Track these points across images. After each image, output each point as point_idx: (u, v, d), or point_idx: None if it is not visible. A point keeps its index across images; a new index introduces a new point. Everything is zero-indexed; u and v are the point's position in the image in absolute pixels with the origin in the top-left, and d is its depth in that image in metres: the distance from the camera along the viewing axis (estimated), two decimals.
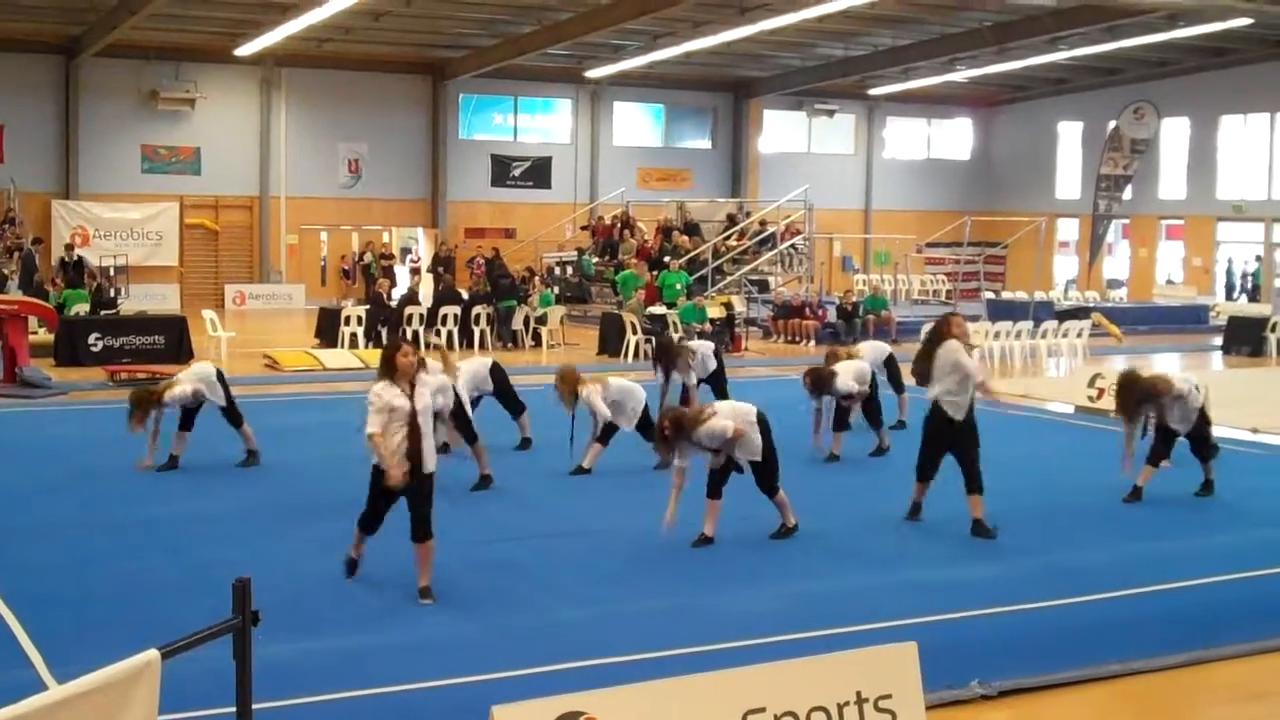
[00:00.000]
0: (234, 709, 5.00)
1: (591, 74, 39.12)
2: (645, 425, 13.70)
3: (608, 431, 13.95)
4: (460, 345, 26.76)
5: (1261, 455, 16.03)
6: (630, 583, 9.90)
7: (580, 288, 34.19)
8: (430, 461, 9.21)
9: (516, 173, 41.26)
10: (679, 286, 28.53)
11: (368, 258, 37.82)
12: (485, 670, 7.74)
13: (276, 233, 38.23)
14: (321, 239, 39.60)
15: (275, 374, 22.77)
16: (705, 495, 11.00)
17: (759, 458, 10.94)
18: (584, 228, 38.27)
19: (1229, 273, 41.88)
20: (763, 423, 11.02)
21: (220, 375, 13.90)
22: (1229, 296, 40.67)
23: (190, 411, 13.68)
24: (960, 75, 40.56)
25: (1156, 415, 12.97)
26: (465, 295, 28.64)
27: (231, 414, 13.85)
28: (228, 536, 11.01)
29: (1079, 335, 26.85)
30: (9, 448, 15.47)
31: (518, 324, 27.55)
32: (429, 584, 9.24)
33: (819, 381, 14.74)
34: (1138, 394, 12.89)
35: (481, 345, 26.74)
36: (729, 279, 32.51)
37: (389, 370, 9.20)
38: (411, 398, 9.10)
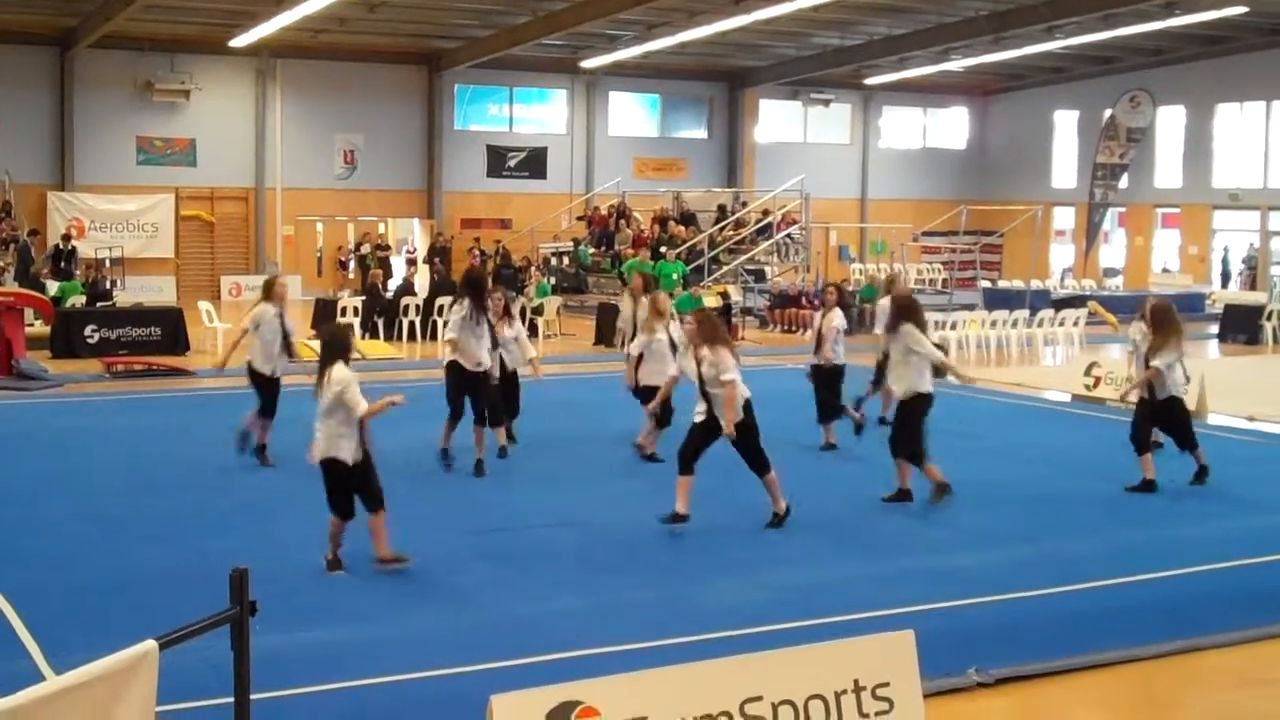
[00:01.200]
0: (232, 699, 5.00)
1: (587, 64, 39.08)
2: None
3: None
4: None
5: (1257, 443, 16.06)
6: (627, 572, 9.91)
7: (577, 278, 34.17)
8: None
9: (512, 163, 41.21)
10: (675, 276, 28.55)
11: (364, 249, 37.77)
12: (483, 660, 7.75)
13: (272, 224, 38.19)
14: (317, 230, 39.55)
15: None
16: (677, 471, 11.02)
17: (734, 432, 10.88)
18: (580, 218, 38.26)
19: (1224, 260, 41.89)
20: (747, 408, 11.04)
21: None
22: (1224, 284, 40.68)
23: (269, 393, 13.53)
24: (956, 64, 40.54)
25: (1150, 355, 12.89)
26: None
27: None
28: (224, 527, 11.02)
29: (1075, 324, 26.87)
30: (6, 440, 15.45)
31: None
32: (387, 553, 9.58)
33: (841, 293, 15.57)
34: (1168, 321, 12.91)
35: None
36: (725, 269, 32.52)
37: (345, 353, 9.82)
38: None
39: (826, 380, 15.03)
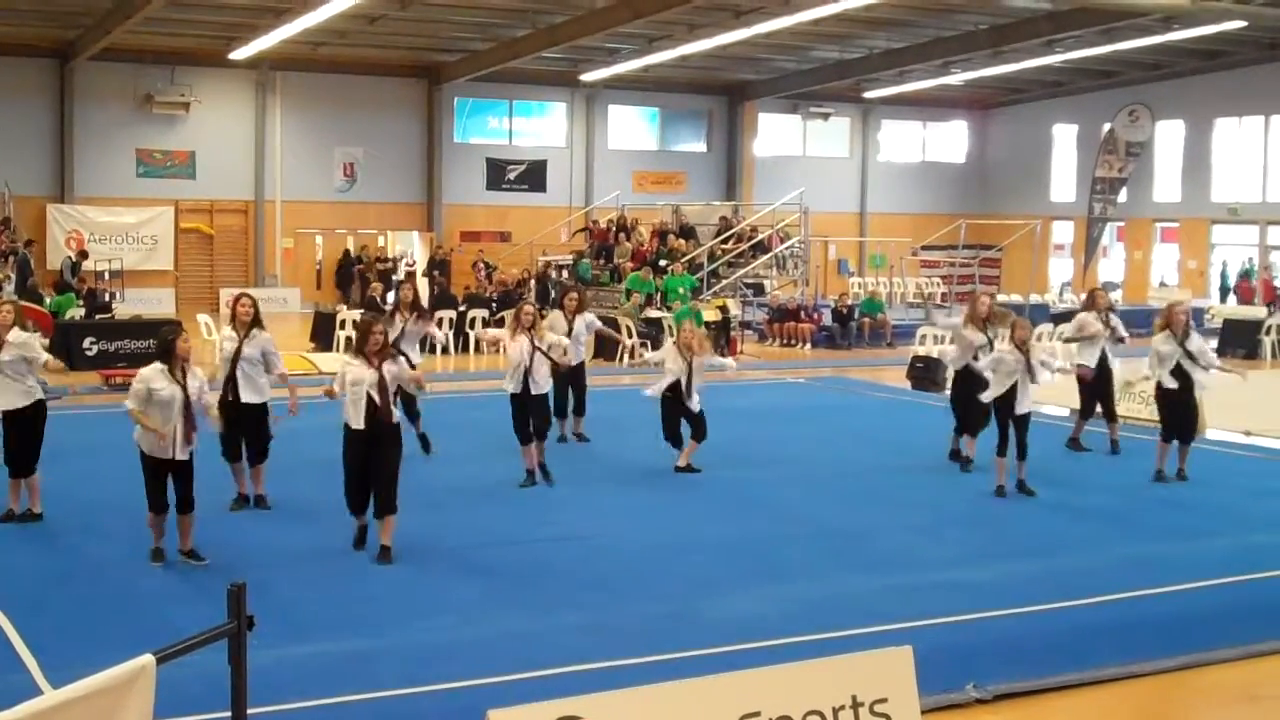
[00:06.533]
0: (229, 713, 5.00)
1: (586, 77, 39.12)
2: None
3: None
4: (456, 349, 26.78)
5: (1256, 459, 16.05)
6: (625, 587, 9.90)
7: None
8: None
9: (512, 176, 41.24)
10: (682, 290, 28.62)
11: (362, 261, 37.82)
12: (481, 674, 7.74)
13: (272, 237, 38.21)
14: (317, 243, 39.56)
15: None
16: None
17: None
18: (581, 230, 38.28)
19: (1223, 275, 41.86)
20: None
21: None
22: (1222, 298, 40.55)
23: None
24: (955, 78, 40.58)
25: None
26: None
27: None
28: (222, 541, 10.98)
29: None
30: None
31: None
32: (193, 547, 10.21)
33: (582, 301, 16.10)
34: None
35: (476, 349, 26.72)
36: (724, 282, 32.52)
37: (164, 356, 10.06)
38: (184, 385, 9.97)
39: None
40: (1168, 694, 7.97)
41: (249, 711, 5.02)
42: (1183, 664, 8.29)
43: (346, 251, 38.47)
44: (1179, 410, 13.90)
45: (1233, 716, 7.77)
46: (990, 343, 14.28)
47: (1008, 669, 7.97)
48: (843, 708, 5.82)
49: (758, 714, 5.65)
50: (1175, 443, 14.02)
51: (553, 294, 30.19)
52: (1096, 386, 15.75)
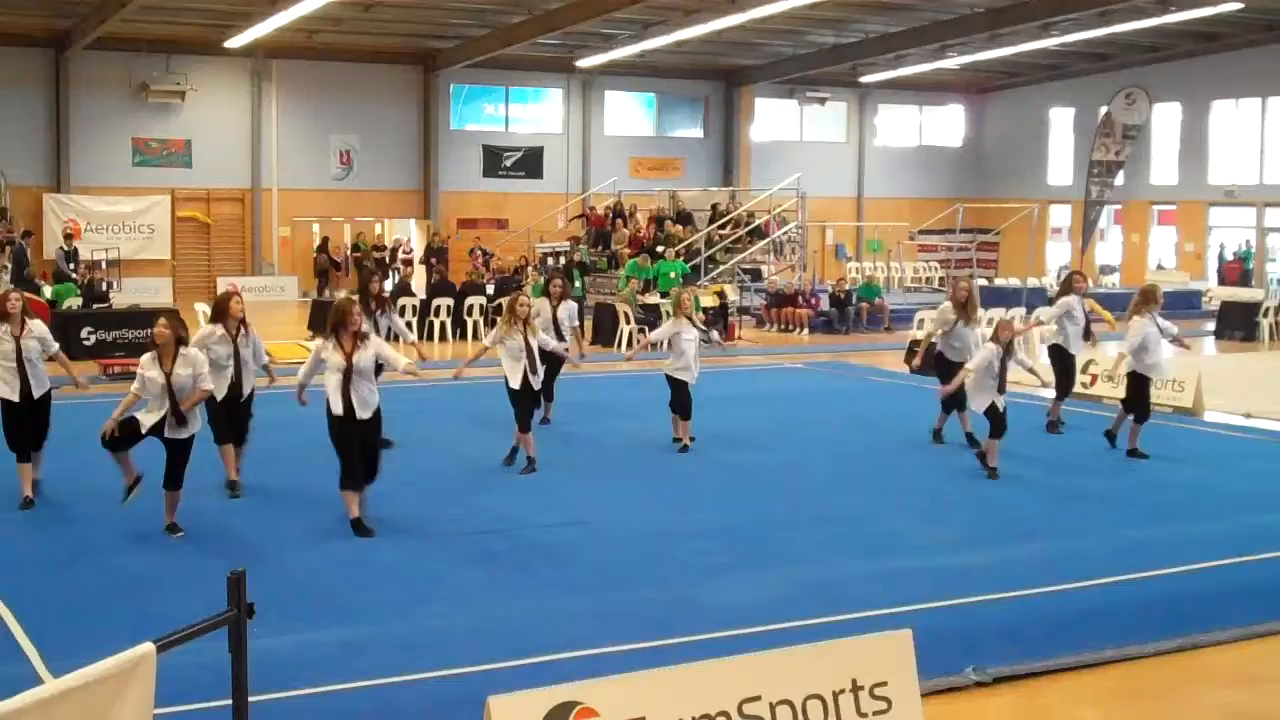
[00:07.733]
0: (230, 701, 5.00)
1: (582, 63, 39.06)
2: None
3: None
4: (453, 335, 26.78)
5: (1254, 440, 16.07)
6: (624, 572, 9.91)
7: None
8: (188, 428, 10.72)
9: (508, 163, 41.19)
10: (673, 275, 28.61)
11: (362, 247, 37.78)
12: (480, 661, 7.74)
13: (268, 225, 38.18)
14: (313, 231, 39.51)
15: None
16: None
17: None
18: (578, 216, 38.26)
19: (1220, 257, 41.87)
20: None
21: None
22: (1220, 281, 40.57)
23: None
24: (952, 62, 40.53)
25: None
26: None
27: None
28: (221, 529, 11.01)
29: None
30: (2, 442, 15.40)
31: None
32: (175, 520, 10.74)
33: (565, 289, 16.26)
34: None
35: (474, 336, 26.73)
36: (722, 268, 32.52)
37: (151, 343, 10.69)
38: (169, 373, 10.49)
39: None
40: (1166, 675, 7.99)
41: (250, 699, 5.02)
42: (1181, 645, 8.30)
43: (325, 239, 38.34)
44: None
45: (1231, 698, 7.78)
46: (955, 323, 14.72)
47: (1007, 652, 7.99)
48: (843, 691, 5.83)
49: (758, 698, 5.66)
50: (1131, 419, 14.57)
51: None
52: (1067, 366, 16.04)
